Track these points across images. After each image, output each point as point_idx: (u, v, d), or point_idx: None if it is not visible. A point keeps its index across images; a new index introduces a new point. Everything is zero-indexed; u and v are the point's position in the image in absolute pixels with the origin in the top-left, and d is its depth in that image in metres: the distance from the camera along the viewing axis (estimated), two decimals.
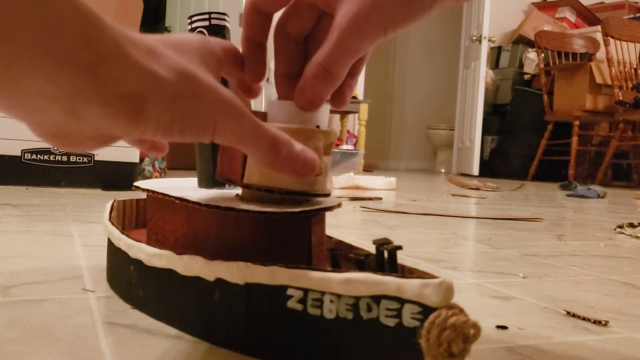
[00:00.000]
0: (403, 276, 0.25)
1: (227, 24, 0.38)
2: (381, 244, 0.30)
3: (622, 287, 0.55)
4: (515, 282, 0.55)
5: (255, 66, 0.34)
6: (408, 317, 0.24)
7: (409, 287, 0.24)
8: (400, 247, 0.29)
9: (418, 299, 0.24)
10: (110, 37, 0.21)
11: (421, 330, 0.23)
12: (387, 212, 1.19)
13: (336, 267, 0.30)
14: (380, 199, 1.50)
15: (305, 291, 0.28)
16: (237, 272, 0.30)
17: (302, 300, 0.28)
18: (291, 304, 0.28)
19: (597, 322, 0.41)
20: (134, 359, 0.30)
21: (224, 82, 0.36)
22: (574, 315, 0.43)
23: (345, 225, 0.94)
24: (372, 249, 0.37)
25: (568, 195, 2.15)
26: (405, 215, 1.15)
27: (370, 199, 1.47)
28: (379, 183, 1.93)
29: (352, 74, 0.35)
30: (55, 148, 0.26)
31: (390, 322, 0.25)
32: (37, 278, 0.45)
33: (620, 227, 1.08)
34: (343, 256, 0.34)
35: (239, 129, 0.26)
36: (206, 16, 0.37)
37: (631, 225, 1.10)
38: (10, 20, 0.18)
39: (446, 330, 0.23)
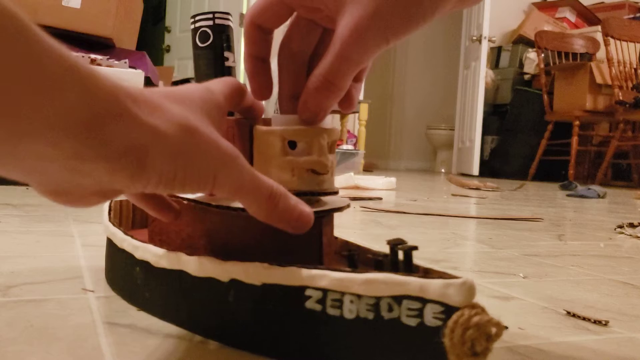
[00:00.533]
0: (425, 276, 0.25)
1: (230, 23, 0.38)
2: (396, 244, 0.30)
3: (622, 287, 0.55)
4: (516, 282, 0.55)
5: (262, 83, 0.33)
6: (430, 316, 0.24)
7: (432, 287, 0.24)
8: (415, 248, 0.29)
9: (441, 298, 0.24)
10: (108, 94, 0.21)
11: (444, 329, 0.24)
12: (387, 212, 1.19)
13: (353, 267, 0.31)
14: (380, 199, 1.50)
15: (325, 292, 0.28)
16: (253, 273, 0.30)
17: (321, 301, 0.28)
18: (310, 304, 0.28)
19: (597, 322, 0.41)
20: (134, 359, 0.30)
21: (230, 114, 0.36)
22: (574, 315, 0.43)
23: (345, 226, 0.94)
24: (374, 249, 0.37)
25: (568, 195, 2.15)
26: (405, 215, 1.15)
27: (370, 199, 1.47)
28: (378, 183, 1.93)
29: (357, 79, 0.35)
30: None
31: (412, 322, 0.25)
32: (37, 278, 0.45)
33: (620, 227, 1.08)
34: (360, 257, 0.34)
35: (238, 182, 0.26)
36: (210, 16, 0.37)
37: (631, 225, 1.10)
38: (6, 91, 0.18)
39: (470, 329, 0.23)
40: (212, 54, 0.37)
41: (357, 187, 1.85)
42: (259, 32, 0.33)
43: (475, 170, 3.73)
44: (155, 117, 0.23)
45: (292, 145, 0.32)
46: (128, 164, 0.22)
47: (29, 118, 0.18)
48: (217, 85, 0.31)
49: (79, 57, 0.20)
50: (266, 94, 0.34)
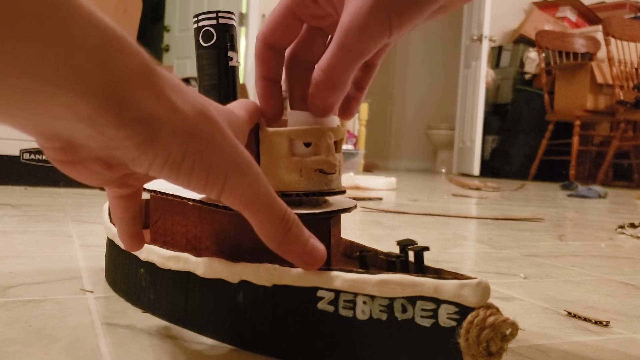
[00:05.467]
0: (438, 277, 0.25)
1: (234, 22, 0.37)
2: (406, 244, 0.30)
3: (623, 287, 0.55)
4: (516, 282, 0.55)
5: (274, 105, 0.33)
6: (444, 317, 0.25)
7: (447, 288, 0.24)
8: (427, 248, 0.29)
9: (456, 299, 0.24)
10: (131, 60, 0.20)
11: (460, 330, 0.24)
12: (388, 213, 1.18)
13: (365, 268, 0.30)
14: (380, 199, 1.50)
15: (337, 293, 0.28)
16: (264, 274, 0.30)
17: (334, 302, 0.28)
18: (322, 305, 0.28)
19: (598, 323, 0.41)
20: None
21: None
22: (574, 316, 0.43)
23: (345, 226, 0.94)
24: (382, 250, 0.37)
25: (569, 196, 2.15)
26: (405, 215, 1.15)
27: (370, 199, 1.47)
28: (379, 183, 1.92)
29: (360, 87, 0.34)
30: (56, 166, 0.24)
31: (426, 323, 0.25)
32: (36, 278, 0.45)
33: (621, 227, 1.08)
34: (371, 258, 0.34)
35: (251, 193, 0.25)
36: (214, 15, 0.36)
37: (632, 225, 1.10)
38: (33, 47, 0.17)
39: (485, 330, 0.23)
40: (216, 53, 0.36)
41: (357, 187, 1.85)
42: (272, 52, 0.33)
43: (476, 170, 3.73)
44: (176, 95, 0.22)
45: (307, 144, 0.32)
46: (139, 133, 0.21)
47: (50, 77, 0.18)
48: (238, 108, 0.30)
49: (108, 19, 0.20)
50: (278, 117, 0.33)
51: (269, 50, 0.33)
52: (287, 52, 0.33)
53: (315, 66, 0.30)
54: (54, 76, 0.18)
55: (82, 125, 0.20)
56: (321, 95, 0.30)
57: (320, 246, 0.28)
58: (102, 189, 1.29)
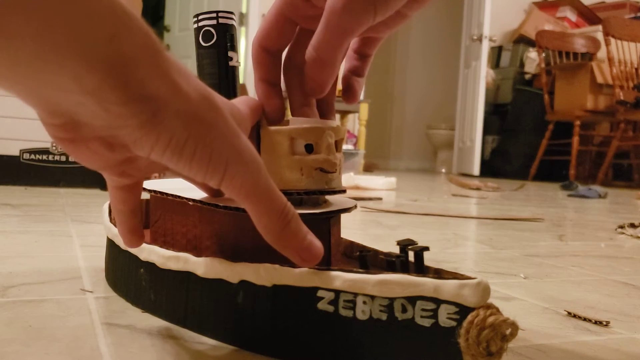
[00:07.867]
0: (438, 277, 0.25)
1: (234, 22, 0.37)
2: (406, 244, 0.30)
3: (623, 287, 0.55)
4: (516, 282, 0.55)
5: (275, 106, 0.33)
6: (444, 317, 0.25)
7: (447, 288, 0.24)
8: (427, 248, 0.29)
9: (456, 299, 0.24)
10: (140, 38, 0.20)
11: (460, 330, 0.24)
12: (388, 213, 1.18)
13: (365, 268, 0.30)
14: (380, 199, 1.50)
15: (337, 293, 0.28)
16: (264, 274, 0.30)
17: (334, 302, 0.28)
18: (322, 305, 0.28)
19: (598, 323, 0.41)
20: None
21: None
22: (574, 316, 0.43)
23: (345, 226, 0.94)
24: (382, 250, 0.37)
25: (569, 196, 2.15)
26: (405, 215, 1.15)
27: (370, 199, 1.47)
28: (379, 183, 1.92)
29: (359, 74, 0.34)
30: (56, 144, 0.24)
31: (426, 323, 0.25)
32: (36, 278, 0.45)
33: (621, 227, 1.08)
34: (369, 258, 0.34)
35: (252, 183, 0.25)
36: (214, 15, 0.36)
37: (632, 225, 1.10)
38: (43, 16, 0.18)
39: (485, 330, 0.23)
40: (216, 53, 0.36)
41: (357, 187, 1.85)
42: (268, 55, 0.33)
43: (476, 170, 3.73)
44: (181, 78, 0.22)
45: (309, 148, 0.32)
46: (142, 112, 0.21)
47: (59, 45, 0.18)
48: (241, 104, 0.30)
49: None
50: (280, 117, 0.33)
51: (266, 53, 0.33)
52: (284, 58, 0.34)
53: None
54: (62, 45, 0.18)
55: (87, 100, 0.20)
56: (313, 72, 0.30)
57: (317, 243, 0.28)
58: (103, 188, 1.29)
